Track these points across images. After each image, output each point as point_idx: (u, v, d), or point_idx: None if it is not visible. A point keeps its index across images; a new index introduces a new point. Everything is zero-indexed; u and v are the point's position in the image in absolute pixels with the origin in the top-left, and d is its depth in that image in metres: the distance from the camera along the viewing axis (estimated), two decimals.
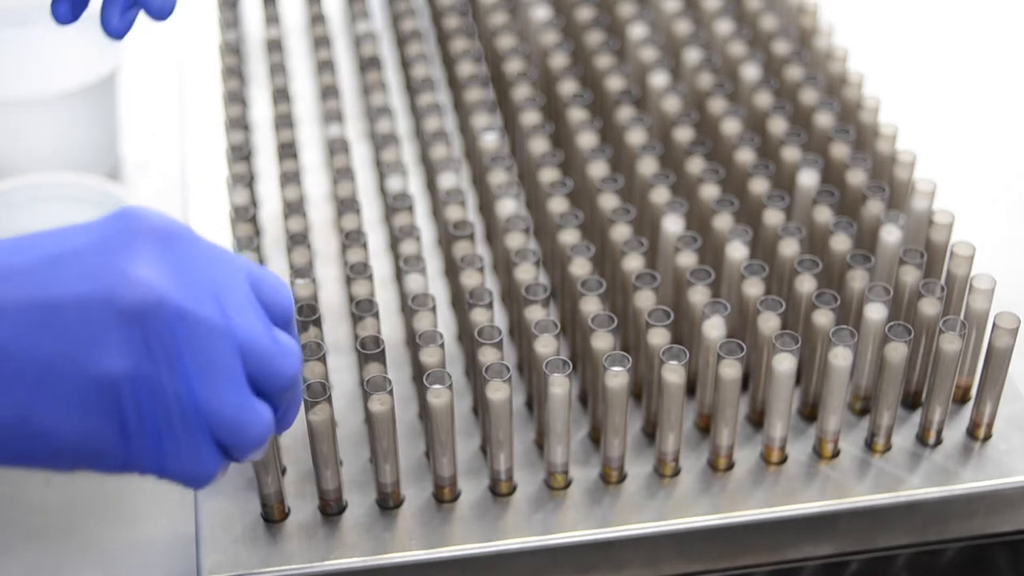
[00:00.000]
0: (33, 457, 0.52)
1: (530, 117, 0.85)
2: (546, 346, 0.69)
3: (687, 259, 0.75)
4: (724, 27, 0.93)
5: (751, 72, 0.89)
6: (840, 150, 0.82)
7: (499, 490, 0.70)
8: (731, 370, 0.67)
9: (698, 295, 0.72)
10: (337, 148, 0.84)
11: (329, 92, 0.90)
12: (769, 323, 0.70)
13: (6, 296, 0.50)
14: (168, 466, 0.53)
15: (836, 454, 0.72)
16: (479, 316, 0.71)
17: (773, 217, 0.77)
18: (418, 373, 0.70)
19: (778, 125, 0.84)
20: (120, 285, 0.51)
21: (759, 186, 0.80)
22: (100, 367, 0.51)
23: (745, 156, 0.82)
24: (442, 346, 0.68)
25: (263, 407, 0.54)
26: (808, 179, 0.80)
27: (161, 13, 0.68)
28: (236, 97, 0.90)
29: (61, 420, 0.51)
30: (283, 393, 0.55)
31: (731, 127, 0.84)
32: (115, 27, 0.69)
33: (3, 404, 0.50)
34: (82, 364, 0.51)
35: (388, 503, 0.69)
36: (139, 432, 0.52)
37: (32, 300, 0.51)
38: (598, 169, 0.81)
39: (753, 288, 0.73)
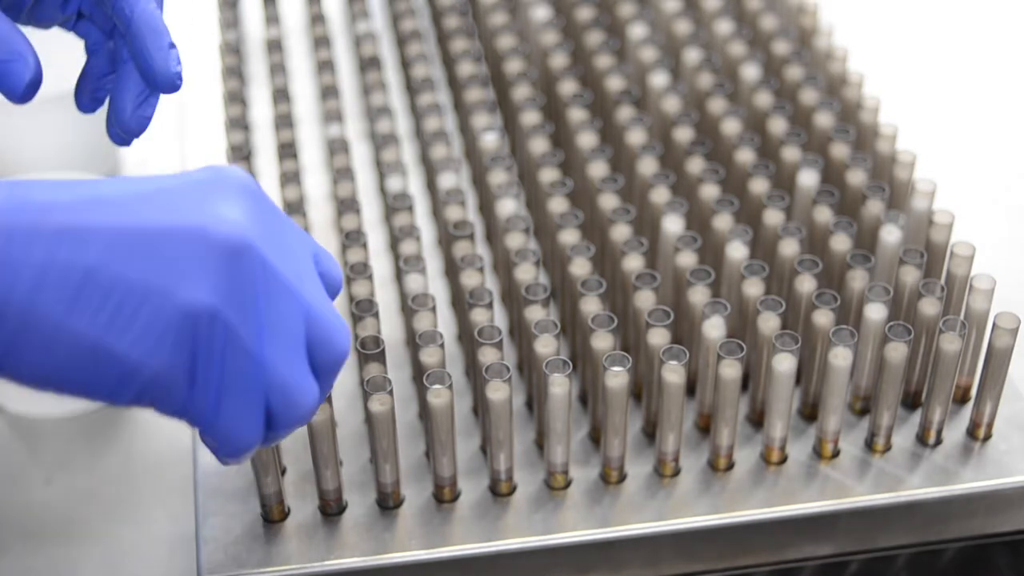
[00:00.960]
0: (100, 385, 0.51)
1: (530, 117, 0.85)
2: (546, 346, 0.69)
3: (687, 259, 0.75)
4: (724, 27, 0.93)
5: (751, 72, 0.89)
6: (840, 150, 0.82)
7: (499, 490, 0.70)
8: (731, 370, 0.67)
9: (698, 295, 0.72)
10: (337, 148, 0.84)
11: (329, 92, 0.90)
12: (769, 323, 0.70)
13: (96, 220, 0.50)
14: (219, 422, 0.52)
15: (836, 454, 0.72)
16: (479, 316, 0.71)
17: (773, 217, 0.77)
18: (418, 373, 0.70)
19: (778, 125, 0.84)
20: (213, 221, 0.51)
21: (759, 186, 0.80)
22: (186, 298, 0.50)
23: (745, 156, 0.82)
24: (442, 346, 0.68)
25: (314, 382, 0.54)
26: (808, 179, 0.80)
27: (168, 84, 0.67)
28: (236, 97, 0.90)
29: (137, 347, 0.50)
30: (333, 371, 0.55)
31: (731, 127, 0.84)
32: (127, 122, 0.68)
33: (83, 326, 0.49)
34: (169, 292, 0.50)
35: (388, 503, 0.69)
36: (205, 376, 0.51)
37: (123, 225, 0.50)
38: (598, 169, 0.81)
39: (753, 288, 0.73)
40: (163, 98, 1.04)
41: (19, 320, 0.48)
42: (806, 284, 0.73)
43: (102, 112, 0.71)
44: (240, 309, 0.51)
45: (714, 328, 0.70)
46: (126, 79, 0.66)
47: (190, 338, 0.50)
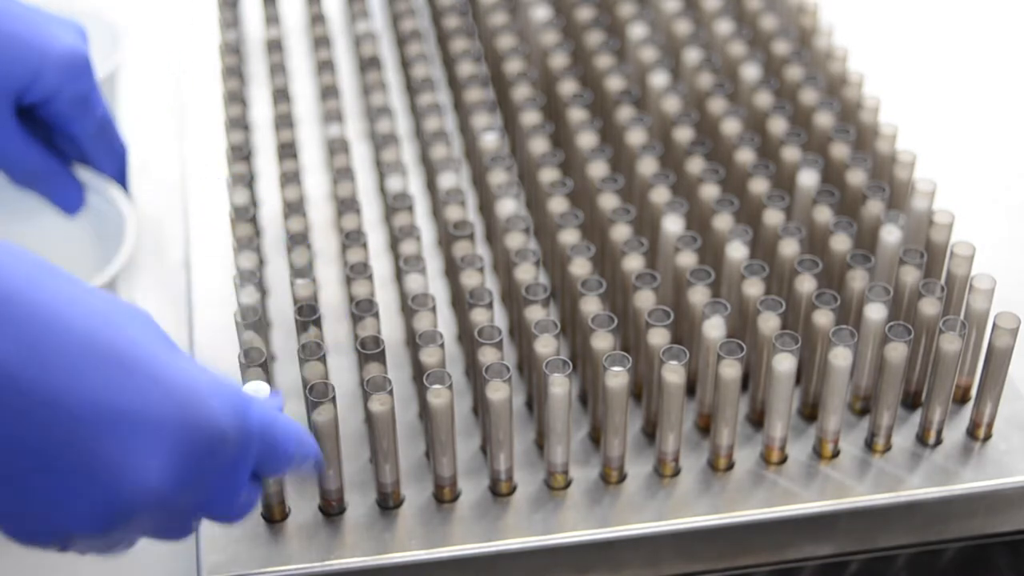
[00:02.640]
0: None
1: (530, 117, 0.85)
2: (546, 346, 0.69)
3: (687, 259, 0.75)
4: (724, 27, 0.93)
5: (751, 72, 0.89)
6: (840, 150, 0.82)
7: (499, 490, 0.70)
8: (731, 370, 0.67)
9: (698, 295, 0.72)
10: (337, 148, 0.84)
11: (329, 92, 0.90)
12: (769, 323, 0.70)
13: None
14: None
15: (836, 454, 0.72)
16: (479, 316, 0.71)
17: (773, 217, 0.77)
18: (418, 373, 0.70)
19: (778, 125, 0.84)
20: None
21: (759, 186, 0.80)
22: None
23: (745, 156, 0.82)
24: (442, 346, 0.68)
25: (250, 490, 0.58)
26: (808, 179, 0.80)
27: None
28: (236, 97, 0.90)
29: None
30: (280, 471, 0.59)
31: (731, 127, 0.84)
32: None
33: None
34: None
35: (388, 503, 0.69)
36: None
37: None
38: (598, 169, 0.81)
39: (753, 288, 0.73)
40: (163, 98, 1.04)
41: None
42: (806, 284, 0.73)
43: None
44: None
45: (714, 328, 0.70)
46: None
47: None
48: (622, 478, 0.71)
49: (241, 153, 0.84)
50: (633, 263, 0.74)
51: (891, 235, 0.76)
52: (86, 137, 0.67)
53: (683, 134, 0.84)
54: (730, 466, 0.71)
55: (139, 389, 0.51)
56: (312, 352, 0.67)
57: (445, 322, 0.79)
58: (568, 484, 0.70)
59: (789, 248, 0.75)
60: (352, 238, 0.76)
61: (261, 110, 0.95)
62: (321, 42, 0.94)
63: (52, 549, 0.53)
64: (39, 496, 0.50)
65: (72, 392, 0.49)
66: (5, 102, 0.63)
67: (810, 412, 0.74)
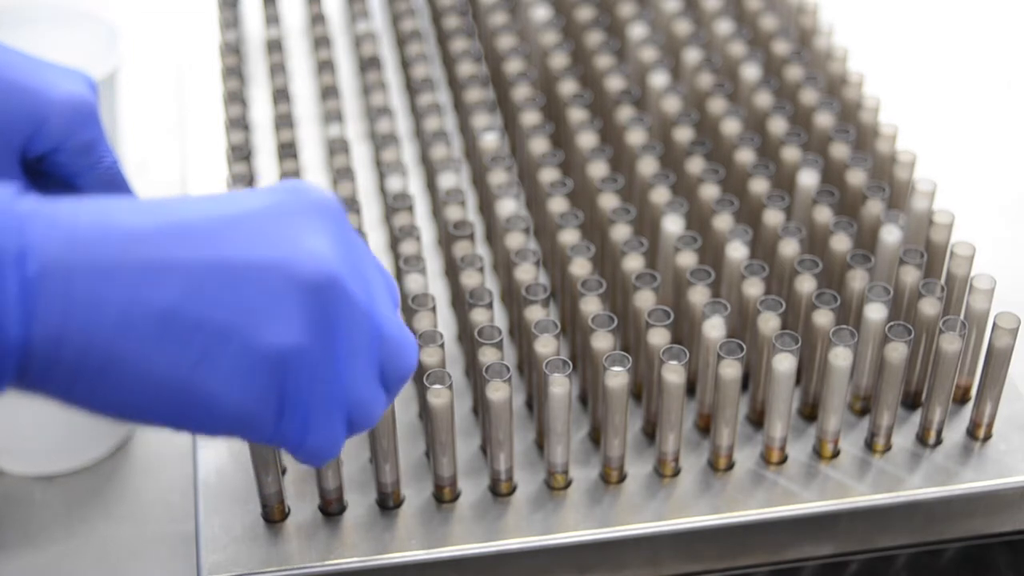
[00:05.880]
0: (188, 421, 0.51)
1: (530, 117, 0.85)
2: (546, 346, 0.69)
3: (687, 259, 0.75)
4: (724, 27, 0.93)
5: (751, 72, 0.89)
6: (840, 150, 0.82)
7: (499, 490, 0.70)
8: (731, 370, 0.67)
9: (698, 295, 0.72)
10: (337, 148, 0.84)
11: (329, 92, 0.90)
12: (769, 323, 0.70)
13: (179, 255, 0.49)
14: (307, 442, 0.53)
15: (836, 454, 0.72)
16: (479, 316, 0.71)
17: (773, 217, 0.77)
18: (418, 373, 0.70)
19: (778, 125, 0.84)
20: (299, 256, 0.50)
21: (759, 186, 0.80)
22: (271, 338, 0.50)
23: (745, 156, 0.82)
24: (442, 346, 0.68)
25: (383, 394, 0.55)
26: (808, 179, 0.80)
27: None
28: (236, 97, 0.90)
29: (224, 388, 0.50)
30: (401, 383, 0.56)
31: (731, 127, 0.84)
32: None
33: (168, 366, 0.49)
34: (254, 334, 0.50)
35: (388, 503, 0.69)
36: (292, 407, 0.52)
37: (206, 260, 0.49)
38: (598, 169, 0.81)
39: (753, 288, 0.73)
40: (163, 98, 1.04)
41: (103, 359, 0.48)
42: (806, 284, 0.73)
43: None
44: (323, 342, 0.51)
45: (714, 328, 0.70)
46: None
47: (277, 378, 0.51)
48: (622, 478, 0.71)
49: (241, 153, 0.84)
50: (633, 263, 0.74)
51: (891, 235, 0.76)
52: (94, 189, 0.67)
53: (683, 134, 0.84)
54: (730, 466, 0.71)
55: (272, 194, 0.52)
56: None
57: (445, 322, 0.79)
58: (568, 484, 0.70)
59: (789, 248, 0.75)
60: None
61: (261, 110, 0.95)
62: (321, 42, 0.94)
63: (266, 410, 0.51)
64: (222, 322, 0.49)
65: (215, 250, 0.50)
66: (11, 155, 0.63)
67: (810, 412, 0.74)
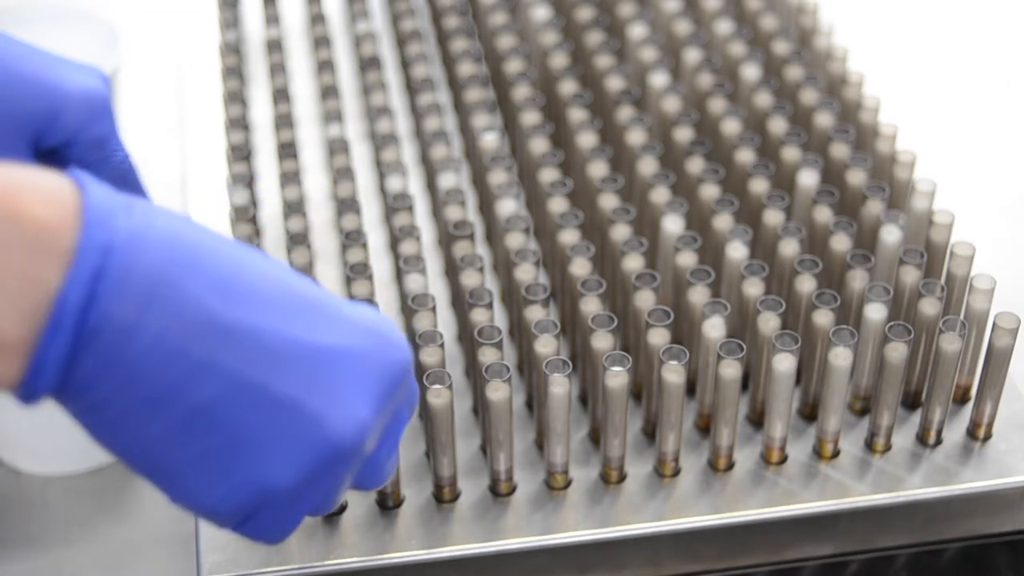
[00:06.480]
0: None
1: (530, 117, 0.85)
2: (546, 346, 0.69)
3: (687, 259, 0.75)
4: (724, 27, 0.93)
5: (751, 72, 0.89)
6: (840, 150, 0.82)
7: (499, 490, 0.70)
8: (731, 370, 0.67)
9: (698, 295, 0.72)
10: (337, 148, 0.84)
11: (329, 92, 0.90)
12: (769, 323, 0.70)
13: (222, 360, 0.50)
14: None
15: (836, 454, 0.72)
16: (479, 316, 0.71)
17: (773, 217, 0.77)
18: (418, 373, 0.70)
19: (778, 125, 0.84)
20: (334, 416, 0.51)
21: (759, 186, 0.80)
22: (269, 472, 0.51)
23: (745, 156, 0.82)
24: (442, 346, 0.68)
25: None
26: (808, 179, 0.80)
27: None
28: (236, 97, 0.90)
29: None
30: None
31: (731, 127, 0.84)
32: None
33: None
34: (256, 460, 0.51)
35: (388, 503, 0.69)
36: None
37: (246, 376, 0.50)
38: (598, 169, 0.81)
39: (753, 288, 0.73)
40: (163, 98, 1.04)
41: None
42: (806, 284, 0.73)
43: None
44: (312, 492, 0.53)
45: (714, 328, 0.70)
46: None
47: (256, 504, 0.52)
48: (622, 478, 0.71)
49: (241, 153, 0.84)
50: (633, 263, 0.74)
51: (891, 235, 0.76)
52: (106, 182, 0.67)
53: (683, 134, 0.84)
54: (730, 466, 0.71)
55: (339, 325, 0.52)
56: None
57: (445, 322, 0.79)
58: (568, 484, 0.70)
59: (789, 248, 0.75)
60: (352, 238, 0.76)
61: (261, 110, 0.95)
62: (321, 42, 0.94)
63: (232, 518, 0.52)
64: (239, 438, 0.50)
65: (274, 329, 0.50)
66: (26, 147, 0.63)
67: (810, 412, 0.74)
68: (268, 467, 0.51)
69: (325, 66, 0.92)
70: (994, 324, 0.70)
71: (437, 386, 0.65)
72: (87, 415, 0.49)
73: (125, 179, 0.66)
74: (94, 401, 0.48)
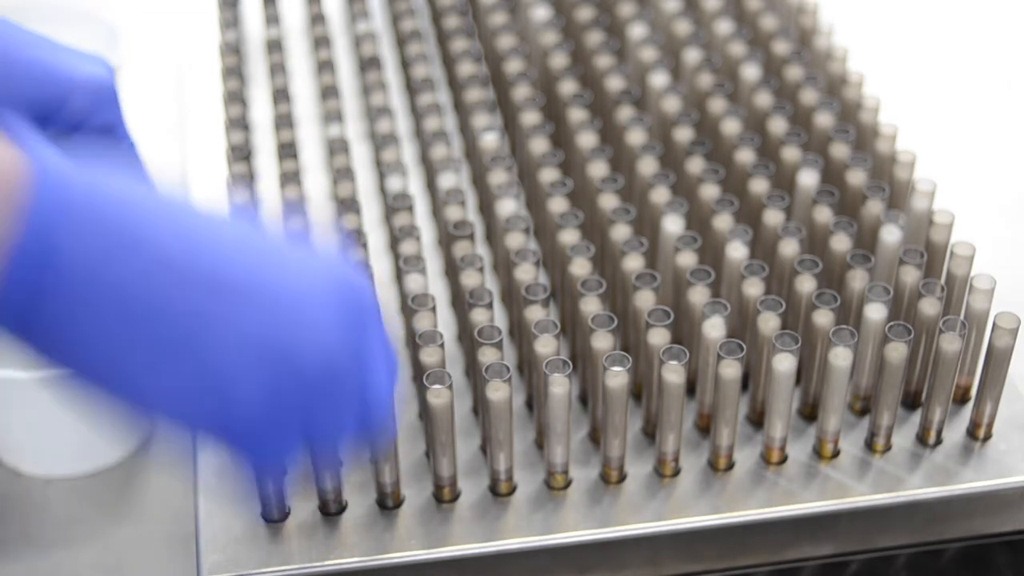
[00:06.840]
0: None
1: (530, 117, 0.85)
2: (546, 346, 0.69)
3: (687, 259, 0.75)
4: (724, 27, 0.93)
5: (751, 72, 0.89)
6: (840, 150, 0.82)
7: (499, 490, 0.70)
8: (731, 370, 0.67)
9: (698, 295, 0.72)
10: (337, 148, 0.84)
11: (329, 92, 0.90)
12: (769, 323, 0.70)
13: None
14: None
15: (836, 454, 0.72)
16: (479, 316, 0.71)
17: (773, 217, 0.77)
18: (418, 373, 0.70)
19: (778, 125, 0.84)
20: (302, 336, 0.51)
21: (759, 186, 0.80)
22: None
23: (745, 156, 0.82)
24: (442, 346, 0.68)
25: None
26: (808, 179, 0.80)
27: None
28: (236, 97, 0.90)
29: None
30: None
31: (731, 127, 0.84)
32: None
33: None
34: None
35: (388, 503, 0.69)
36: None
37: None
38: (598, 169, 0.81)
39: (753, 288, 0.73)
40: (163, 98, 1.04)
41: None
42: (806, 284, 0.73)
43: None
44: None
45: (714, 328, 0.70)
46: None
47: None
48: (622, 478, 0.71)
49: (241, 153, 0.84)
50: (633, 263, 0.74)
51: (891, 235, 0.76)
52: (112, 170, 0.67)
53: (683, 134, 0.84)
54: (730, 466, 0.71)
55: (301, 262, 0.52)
56: None
57: (445, 322, 0.79)
58: (568, 484, 0.70)
59: (789, 248, 0.75)
60: (352, 238, 0.76)
61: (261, 110, 0.95)
62: (321, 42, 0.94)
63: (200, 424, 0.52)
64: (208, 369, 0.50)
65: (235, 268, 0.50)
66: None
67: (810, 412, 0.74)
68: (236, 391, 0.50)
69: (325, 66, 0.92)
70: (994, 324, 0.70)
71: (437, 386, 0.65)
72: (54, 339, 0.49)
73: (132, 167, 0.66)
74: (65, 334, 0.48)
